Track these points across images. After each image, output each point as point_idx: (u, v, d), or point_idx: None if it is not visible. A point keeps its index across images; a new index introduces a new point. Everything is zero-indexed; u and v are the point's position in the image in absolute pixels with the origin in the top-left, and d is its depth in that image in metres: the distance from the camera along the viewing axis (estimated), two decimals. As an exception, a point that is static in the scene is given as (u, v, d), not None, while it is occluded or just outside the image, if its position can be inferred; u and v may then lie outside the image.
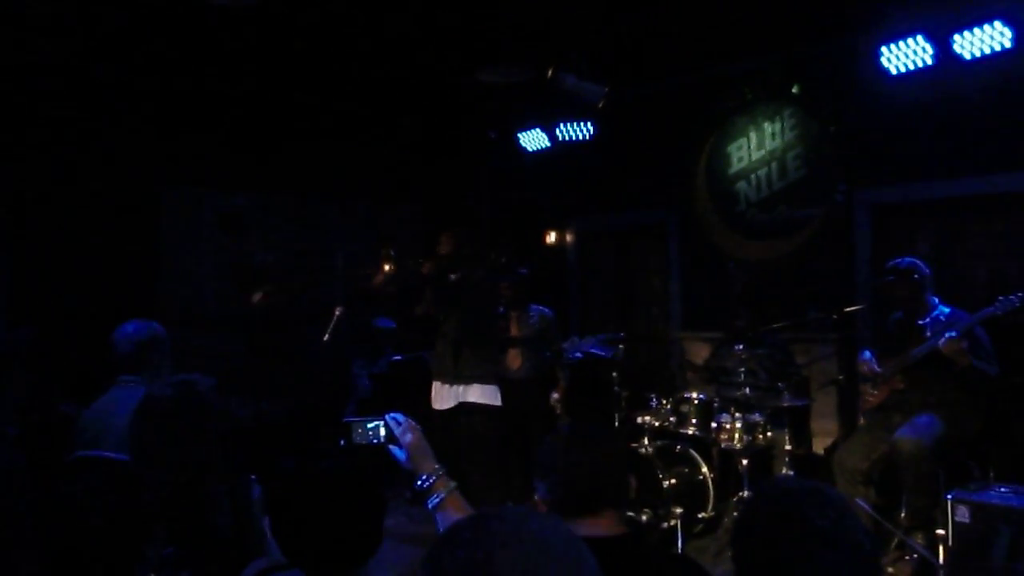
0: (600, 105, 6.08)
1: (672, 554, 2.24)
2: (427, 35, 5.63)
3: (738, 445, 4.95)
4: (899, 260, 4.60)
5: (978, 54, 4.84)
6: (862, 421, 5.02)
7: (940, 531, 3.98)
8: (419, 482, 2.12)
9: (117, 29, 5.28)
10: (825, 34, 5.69)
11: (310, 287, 7.11)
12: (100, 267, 5.91)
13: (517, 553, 0.95)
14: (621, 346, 5.72)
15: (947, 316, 4.47)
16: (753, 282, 6.12)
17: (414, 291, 4.75)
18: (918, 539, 4.24)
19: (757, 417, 5.03)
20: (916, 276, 4.52)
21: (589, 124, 6.85)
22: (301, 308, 6.96)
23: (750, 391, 5.10)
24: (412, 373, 6.22)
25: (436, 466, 2.13)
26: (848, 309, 5.34)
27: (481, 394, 4.72)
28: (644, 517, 4.83)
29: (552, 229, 8.16)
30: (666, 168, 7.02)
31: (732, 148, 6.65)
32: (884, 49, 5.15)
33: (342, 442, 2.18)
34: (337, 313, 4.76)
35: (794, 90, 6.20)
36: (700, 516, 5.07)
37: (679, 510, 4.86)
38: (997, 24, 4.71)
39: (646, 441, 5.23)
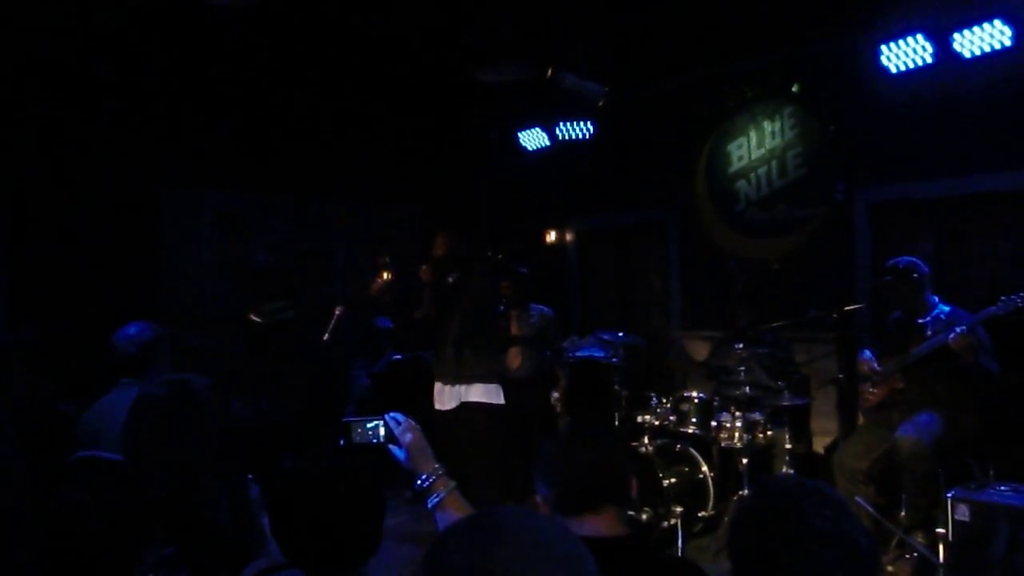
0: (600, 104, 6.09)
1: (673, 557, 2.25)
2: (427, 35, 5.64)
3: (738, 444, 4.96)
4: (898, 259, 4.59)
5: (978, 52, 4.84)
6: (862, 420, 5.02)
7: (940, 530, 3.98)
8: (419, 481, 2.12)
9: (117, 29, 5.28)
10: (825, 33, 5.68)
11: (310, 287, 7.12)
12: (100, 267, 5.91)
13: (516, 553, 0.95)
14: (621, 348, 5.73)
15: (947, 315, 4.47)
16: (753, 281, 6.12)
17: (413, 294, 4.74)
18: (918, 538, 4.25)
19: (757, 416, 5.03)
20: (915, 275, 4.51)
21: (589, 123, 6.85)
22: (301, 308, 6.97)
23: (750, 390, 5.11)
24: (412, 373, 6.22)
25: (436, 465, 2.13)
26: (848, 308, 5.34)
27: (483, 393, 4.72)
28: (644, 516, 4.83)
29: (552, 228, 8.16)
30: (666, 167, 7.02)
31: (732, 147, 6.65)
32: (884, 48, 5.15)
33: (342, 442, 2.18)
34: (337, 313, 4.76)
35: (794, 89, 6.20)
36: (700, 515, 5.07)
37: (679, 509, 4.86)
38: (997, 23, 4.71)
39: (646, 440, 5.23)
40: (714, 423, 5.09)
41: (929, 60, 5.03)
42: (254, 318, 5.34)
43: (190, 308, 6.71)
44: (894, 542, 4.44)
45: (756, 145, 6.49)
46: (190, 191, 6.84)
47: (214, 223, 6.98)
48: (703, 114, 6.77)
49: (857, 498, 4.27)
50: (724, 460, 5.22)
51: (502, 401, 4.77)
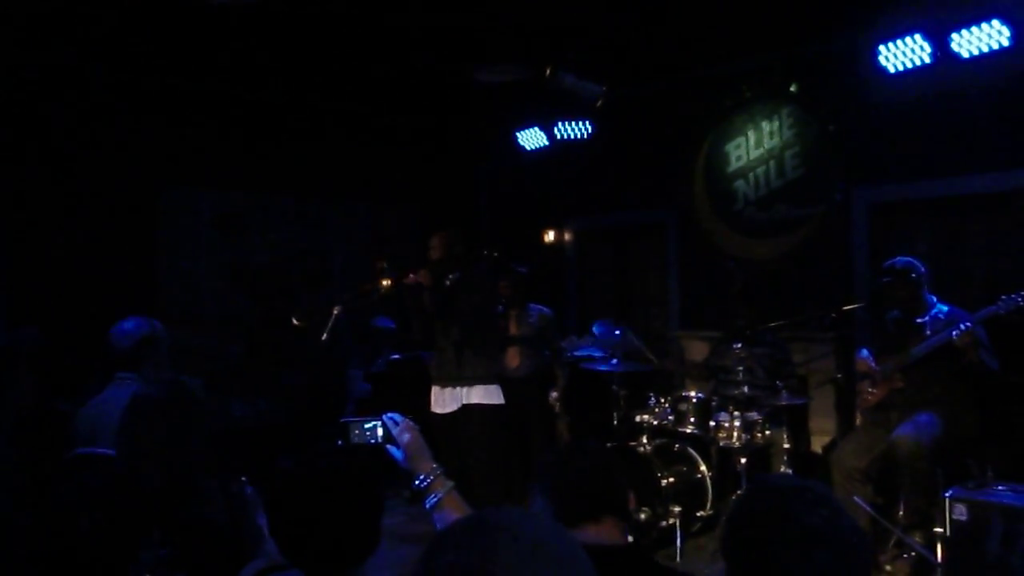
0: (598, 104, 6.09)
1: (672, 568, 2.25)
2: (426, 35, 5.63)
3: (736, 443, 4.96)
4: (896, 259, 4.60)
5: (976, 52, 4.84)
6: (860, 419, 5.02)
7: (938, 529, 3.99)
8: (417, 481, 2.13)
9: (116, 29, 5.28)
10: (823, 33, 5.68)
11: (308, 287, 7.12)
12: (98, 267, 5.91)
13: (512, 554, 0.95)
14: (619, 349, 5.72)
15: (946, 314, 4.47)
16: (751, 281, 6.12)
17: (416, 292, 4.72)
18: (916, 537, 4.25)
19: (755, 415, 5.03)
20: (914, 275, 4.52)
21: (588, 123, 6.85)
22: (300, 308, 6.96)
23: (748, 389, 5.11)
24: (410, 372, 6.22)
25: (434, 466, 2.14)
26: (846, 308, 5.34)
27: (484, 395, 4.71)
28: (643, 516, 4.83)
29: (551, 228, 8.16)
30: (664, 167, 7.02)
31: (730, 147, 6.65)
32: (882, 48, 5.15)
33: (340, 442, 2.18)
34: (335, 313, 4.75)
35: (792, 89, 6.20)
36: (699, 515, 5.07)
37: (677, 509, 4.86)
38: (995, 22, 4.71)
39: (644, 440, 5.23)
40: (712, 423, 5.09)
41: (927, 60, 5.03)
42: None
43: (188, 308, 6.71)
44: (892, 541, 4.44)
45: (754, 145, 6.49)
46: (188, 191, 6.84)
47: (212, 223, 6.98)
48: (701, 114, 6.77)
49: (855, 497, 4.27)
50: (722, 460, 5.23)
51: (502, 401, 4.76)
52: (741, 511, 1.48)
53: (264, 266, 7.14)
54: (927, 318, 4.52)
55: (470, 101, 7.15)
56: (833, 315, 5.28)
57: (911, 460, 4.18)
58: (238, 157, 6.79)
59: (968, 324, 4.16)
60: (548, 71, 5.70)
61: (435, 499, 2.09)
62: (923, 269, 4.57)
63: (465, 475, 4.43)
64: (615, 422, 5.65)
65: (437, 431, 4.55)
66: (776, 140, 6.35)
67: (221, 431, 2.45)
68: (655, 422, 5.29)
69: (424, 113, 7.51)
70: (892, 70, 5.18)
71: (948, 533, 3.80)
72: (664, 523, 4.85)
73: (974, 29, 4.78)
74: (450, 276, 4.67)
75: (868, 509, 4.26)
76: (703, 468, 5.17)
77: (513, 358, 5.77)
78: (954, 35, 4.86)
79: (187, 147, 6.49)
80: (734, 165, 6.62)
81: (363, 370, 6.95)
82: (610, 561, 1.81)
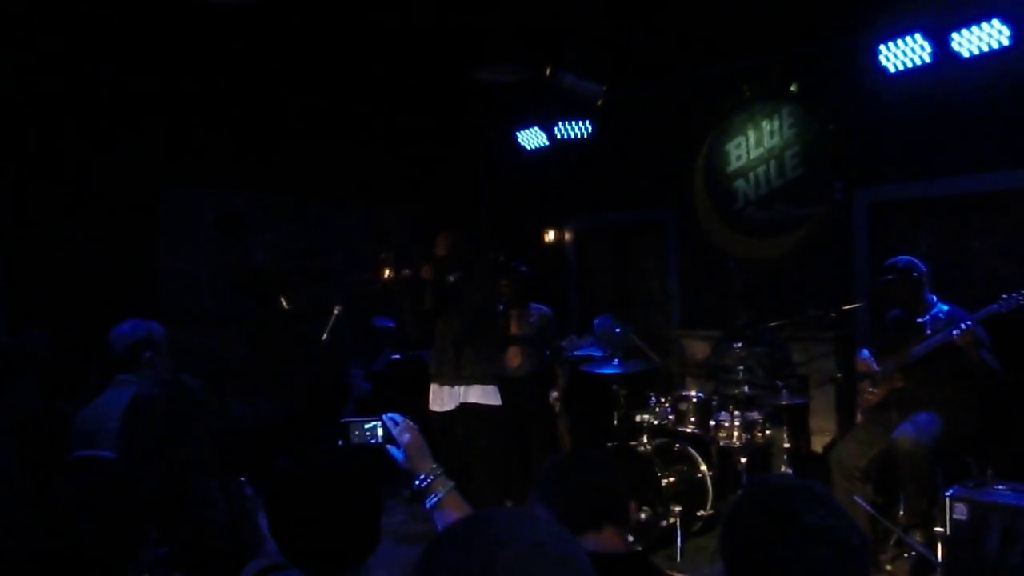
0: (599, 103, 6.08)
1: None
2: (426, 34, 5.63)
3: (737, 443, 4.96)
4: (897, 258, 4.60)
5: (976, 52, 4.84)
6: (860, 419, 5.02)
7: (939, 529, 3.99)
8: (417, 481, 2.13)
9: (116, 29, 5.28)
10: (823, 32, 5.69)
11: (309, 286, 7.12)
12: (99, 267, 5.91)
13: (512, 554, 0.96)
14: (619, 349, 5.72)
15: (946, 314, 4.47)
16: (751, 280, 6.12)
17: (415, 289, 4.73)
18: (917, 537, 4.25)
19: (755, 415, 5.03)
20: (914, 274, 4.52)
21: (588, 123, 6.85)
22: (300, 307, 6.96)
23: (749, 389, 5.11)
24: (411, 372, 6.23)
25: (434, 465, 2.14)
26: (846, 307, 5.35)
27: (482, 394, 4.72)
28: (643, 515, 4.83)
29: (551, 227, 8.16)
30: (664, 166, 7.02)
31: (730, 146, 6.65)
32: (882, 47, 5.15)
33: (340, 442, 2.18)
34: (336, 312, 4.75)
35: (792, 88, 6.20)
36: (699, 514, 5.07)
37: (678, 508, 4.86)
38: (995, 22, 4.70)
39: (645, 439, 5.23)
40: (712, 422, 5.09)
41: (927, 60, 5.02)
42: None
43: (189, 308, 6.70)
44: (892, 541, 4.45)
45: (754, 144, 6.49)
46: (189, 191, 6.84)
47: (213, 223, 6.98)
48: (701, 113, 6.77)
49: (855, 497, 4.27)
50: (723, 459, 5.23)
51: (499, 402, 4.76)
52: (740, 511, 1.48)
53: (264, 266, 7.14)
54: (927, 317, 4.52)
55: (470, 101, 7.14)
56: (833, 314, 5.29)
57: (911, 459, 4.18)
58: (238, 157, 6.79)
59: (969, 323, 4.16)
60: (548, 71, 5.70)
61: (435, 499, 2.09)
62: (924, 268, 4.57)
63: (463, 474, 4.43)
64: (615, 422, 5.65)
65: (435, 429, 4.56)
66: (776, 139, 6.35)
67: (221, 431, 2.45)
68: (655, 421, 5.29)
69: (424, 113, 7.51)
70: (892, 70, 5.18)
71: (948, 532, 3.80)
72: (664, 523, 4.85)
73: (974, 29, 4.78)
74: (452, 275, 4.68)
75: (868, 508, 4.27)
76: (703, 468, 5.17)
77: (514, 357, 5.77)
78: (954, 35, 4.85)
79: (188, 147, 6.49)
80: (734, 164, 6.62)
81: (363, 369, 6.95)
82: (611, 569, 1.81)
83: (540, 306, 5.96)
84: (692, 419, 5.20)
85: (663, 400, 5.36)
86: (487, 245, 6.47)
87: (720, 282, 6.42)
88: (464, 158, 8.23)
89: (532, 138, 7.19)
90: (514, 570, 0.95)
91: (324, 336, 4.79)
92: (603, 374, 5.63)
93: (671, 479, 4.97)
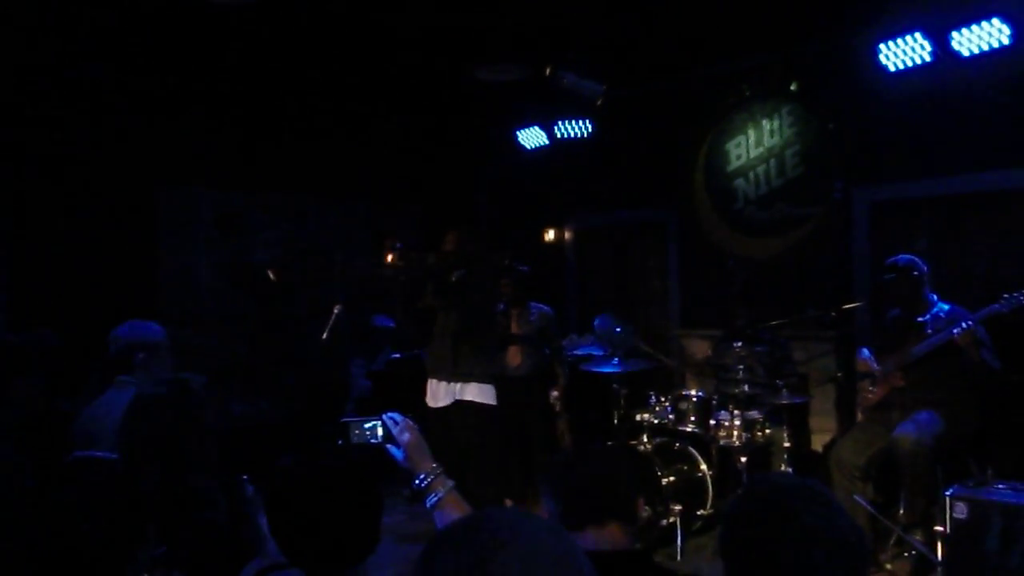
0: (599, 103, 6.09)
1: (675, 572, 2.25)
2: (426, 34, 5.63)
3: (737, 442, 4.96)
4: (898, 257, 4.60)
5: (976, 51, 4.84)
6: (860, 418, 5.03)
7: (939, 528, 3.99)
8: (417, 481, 2.13)
9: (115, 28, 5.27)
10: (823, 31, 5.68)
11: (309, 286, 7.12)
12: (98, 267, 5.90)
13: (510, 555, 0.95)
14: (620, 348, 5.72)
15: (947, 313, 4.47)
16: (751, 280, 6.12)
17: (417, 282, 4.72)
18: (917, 536, 4.25)
19: (756, 414, 5.03)
20: (915, 273, 4.52)
21: (588, 122, 6.85)
22: (300, 307, 6.96)
23: (749, 388, 5.11)
24: (411, 371, 6.23)
25: (434, 465, 2.14)
26: (846, 306, 5.35)
27: (478, 393, 4.72)
28: (643, 514, 4.83)
29: (551, 227, 8.16)
30: (665, 166, 7.02)
31: (730, 145, 6.64)
32: (882, 46, 5.15)
33: (340, 442, 2.18)
34: (336, 312, 4.75)
35: (792, 87, 6.20)
36: (699, 513, 5.07)
37: (678, 507, 4.86)
38: (995, 21, 4.71)
39: (645, 439, 5.23)
40: (713, 421, 5.09)
41: (927, 59, 5.03)
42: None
43: (189, 307, 6.70)
44: (893, 540, 4.45)
45: (755, 144, 6.49)
46: (188, 190, 6.84)
47: (212, 222, 6.98)
48: (701, 113, 6.77)
49: (855, 496, 4.27)
50: (723, 458, 5.23)
51: (495, 402, 4.77)
52: (740, 510, 1.48)
53: (264, 265, 7.14)
54: (928, 317, 4.51)
55: (470, 100, 7.14)
56: (833, 314, 5.29)
57: (912, 458, 4.18)
58: (238, 157, 6.78)
59: (969, 323, 4.16)
60: (548, 70, 5.70)
61: (436, 498, 2.09)
62: (925, 268, 4.57)
63: (460, 472, 4.43)
64: (615, 421, 5.65)
65: (431, 424, 4.56)
66: (776, 139, 6.34)
67: (222, 430, 2.45)
68: (655, 421, 5.29)
69: (424, 112, 7.50)
70: (892, 68, 5.18)
71: (948, 531, 3.80)
72: (664, 522, 4.85)
73: (974, 28, 4.78)
74: (456, 272, 4.68)
75: (868, 507, 4.26)
76: (703, 467, 5.17)
77: (514, 357, 5.78)
78: (954, 34, 4.86)
79: (187, 147, 6.48)
80: (734, 164, 6.62)
81: (364, 369, 6.95)
82: (611, 566, 1.81)
83: (540, 305, 5.96)
84: (692, 418, 5.20)
85: (663, 399, 5.36)
86: (496, 247, 6.46)
87: (720, 281, 6.42)
88: (464, 158, 8.22)
89: (532, 137, 7.20)
90: (512, 570, 0.95)
91: (324, 335, 4.79)
92: (603, 373, 5.63)
93: (671, 478, 4.97)
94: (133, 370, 3.18)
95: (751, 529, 1.40)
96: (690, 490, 5.06)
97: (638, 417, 5.34)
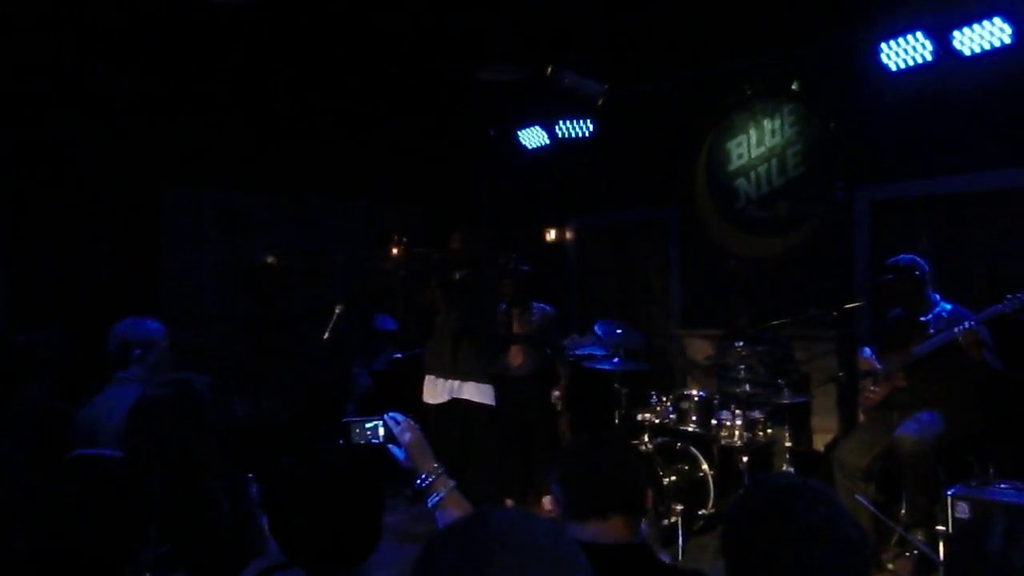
0: (600, 102, 6.08)
1: (676, 567, 2.24)
2: (427, 33, 5.63)
3: (738, 442, 4.96)
4: (899, 257, 4.59)
5: (978, 50, 4.83)
6: (862, 418, 5.02)
7: (941, 527, 3.99)
8: (419, 481, 2.13)
9: (116, 28, 5.28)
10: (825, 30, 5.68)
11: (310, 286, 7.12)
12: (100, 266, 5.91)
13: (507, 555, 0.95)
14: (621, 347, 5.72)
15: (949, 313, 4.46)
16: (753, 279, 6.12)
17: (421, 277, 4.72)
18: (919, 535, 4.25)
19: (757, 414, 5.03)
20: (917, 273, 4.51)
21: (589, 121, 6.85)
22: (301, 306, 6.96)
23: (750, 388, 5.11)
24: (412, 371, 6.23)
25: (435, 465, 2.14)
26: (848, 306, 5.34)
27: (476, 392, 4.72)
28: (650, 508, 4.83)
29: (552, 226, 8.15)
30: (666, 165, 7.02)
31: (732, 145, 6.64)
32: (884, 45, 5.14)
33: (341, 442, 2.18)
34: (337, 311, 4.75)
35: (794, 87, 6.19)
36: (700, 513, 5.07)
37: (679, 507, 4.86)
38: (997, 20, 4.70)
39: (646, 438, 5.24)
40: (714, 421, 5.09)
41: (929, 58, 5.02)
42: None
43: (190, 307, 6.71)
44: (894, 539, 4.44)
45: (756, 143, 6.48)
46: (190, 190, 6.85)
47: (214, 222, 6.98)
48: (703, 112, 6.76)
49: (857, 496, 4.27)
50: (724, 458, 5.22)
51: (492, 402, 4.76)
52: (741, 509, 1.48)
53: (265, 265, 7.14)
54: (930, 316, 4.51)
55: (471, 100, 7.14)
56: (835, 313, 5.28)
57: (913, 458, 4.18)
58: (239, 156, 6.79)
59: (972, 323, 4.15)
60: (549, 70, 5.70)
61: (437, 498, 2.09)
62: (927, 267, 4.55)
63: (457, 470, 4.43)
64: (617, 420, 5.65)
65: (429, 421, 4.56)
66: (778, 138, 6.34)
67: (223, 430, 2.45)
68: (657, 420, 5.29)
69: (425, 112, 7.51)
70: (894, 68, 5.17)
71: (950, 531, 3.80)
72: (666, 521, 4.85)
73: (975, 27, 4.77)
74: (459, 272, 4.68)
75: (870, 507, 4.26)
76: (705, 467, 5.17)
77: (515, 356, 5.78)
78: (955, 33, 4.85)
79: (189, 146, 6.49)
80: (735, 163, 6.62)
81: (365, 368, 6.95)
82: (613, 559, 1.81)
83: (542, 305, 5.97)
84: (694, 418, 5.20)
85: (665, 399, 5.36)
86: (501, 247, 6.47)
87: (721, 281, 6.41)
88: (465, 157, 8.22)
89: (533, 137, 7.19)
90: (510, 570, 0.94)
91: (325, 335, 4.79)
92: (604, 370, 5.63)
93: (672, 478, 4.97)
94: (130, 366, 3.18)
95: (753, 529, 1.40)
96: (691, 490, 5.06)
97: (639, 416, 5.34)
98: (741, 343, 5.18)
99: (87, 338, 3.59)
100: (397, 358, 6.78)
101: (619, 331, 5.95)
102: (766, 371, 5.34)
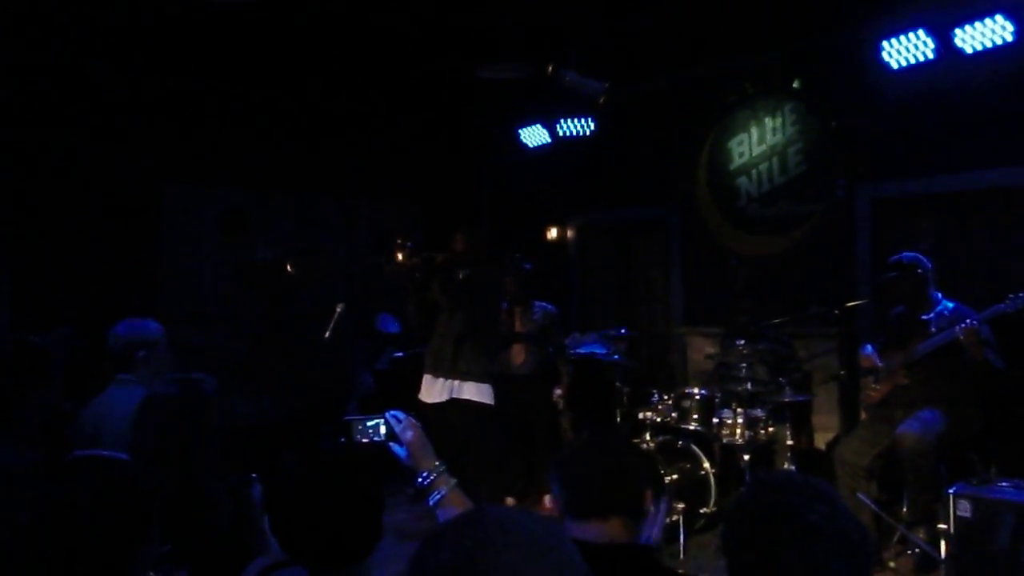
0: (601, 101, 6.08)
1: (674, 569, 2.24)
2: (428, 32, 5.63)
3: (740, 440, 4.96)
4: (902, 255, 4.58)
5: (979, 48, 4.83)
6: (864, 416, 5.02)
7: (942, 526, 3.98)
8: (420, 479, 2.13)
9: (117, 28, 5.28)
10: (826, 28, 5.67)
11: (311, 285, 7.12)
12: (101, 265, 5.91)
13: (503, 553, 0.95)
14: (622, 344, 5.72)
15: (951, 311, 4.45)
16: (754, 277, 6.11)
17: (425, 279, 4.73)
18: (920, 534, 4.24)
19: (759, 412, 5.03)
20: (919, 271, 4.50)
21: (590, 120, 6.85)
22: (302, 305, 6.96)
23: (752, 386, 5.11)
24: (414, 370, 6.23)
25: (437, 463, 2.14)
26: (849, 304, 5.34)
27: (476, 392, 4.72)
28: (649, 509, 4.82)
29: (553, 225, 8.15)
30: (667, 164, 7.01)
31: (733, 143, 6.64)
32: (885, 43, 5.14)
33: (342, 440, 2.18)
34: (338, 310, 4.75)
35: (795, 85, 6.19)
36: (702, 511, 5.07)
37: (681, 505, 4.86)
38: (999, 18, 4.69)
39: (648, 437, 5.24)
40: (716, 419, 5.09)
41: (930, 56, 5.02)
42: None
43: (191, 306, 6.71)
44: (896, 538, 4.44)
45: (757, 141, 6.48)
46: (191, 189, 6.84)
47: (215, 220, 6.98)
48: (704, 110, 6.76)
49: (859, 494, 4.27)
50: (726, 456, 5.22)
51: (492, 402, 4.76)
52: (742, 508, 1.47)
53: (267, 264, 7.14)
54: (932, 315, 4.50)
55: (472, 98, 7.14)
56: (836, 311, 5.28)
57: (915, 456, 4.17)
58: (240, 155, 6.79)
59: (974, 321, 4.15)
60: (550, 68, 5.70)
61: (439, 496, 2.09)
62: (929, 265, 4.55)
63: (456, 469, 4.43)
64: (618, 419, 5.65)
65: (427, 420, 4.56)
66: (779, 136, 6.33)
67: (225, 429, 2.45)
68: (658, 419, 5.29)
69: (426, 111, 7.50)
70: (895, 66, 5.17)
71: (952, 529, 3.79)
72: (667, 520, 4.85)
73: (977, 25, 4.77)
74: (463, 272, 4.69)
75: (872, 505, 4.26)
76: (706, 465, 5.17)
77: (517, 355, 5.78)
78: (957, 31, 4.84)
79: (190, 145, 6.49)
80: (737, 162, 6.61)
81: (367, 367, 6.95)
82: (612, 560, 1.80)
83: (544, 303, 5.97)
84: (695, 416, 5.20)
85: (666, 397, 5.36)
86: (506, 248, 6.47)
87: (723, 279, 6.41)
88: (466, 156, 8.22)
89: (534, 135, 7.19)
90: (505, 568, 0.94)
91: (327, 334, 4.79)
92: (606, 368, 5.62)
93: (674, 476, 4.97)
94: (133, 368, 3.18)
95: (754, 527, 1.40)
96: (693, 488, 5.06)
97: (641, 415, 5.34)
98: (742, 341, 5.18)
99: (87, 338, 3.59)
100: (398, 357, 6.78)
101: (622, 330, 5.96)
102: (767, 369, 5.34)
